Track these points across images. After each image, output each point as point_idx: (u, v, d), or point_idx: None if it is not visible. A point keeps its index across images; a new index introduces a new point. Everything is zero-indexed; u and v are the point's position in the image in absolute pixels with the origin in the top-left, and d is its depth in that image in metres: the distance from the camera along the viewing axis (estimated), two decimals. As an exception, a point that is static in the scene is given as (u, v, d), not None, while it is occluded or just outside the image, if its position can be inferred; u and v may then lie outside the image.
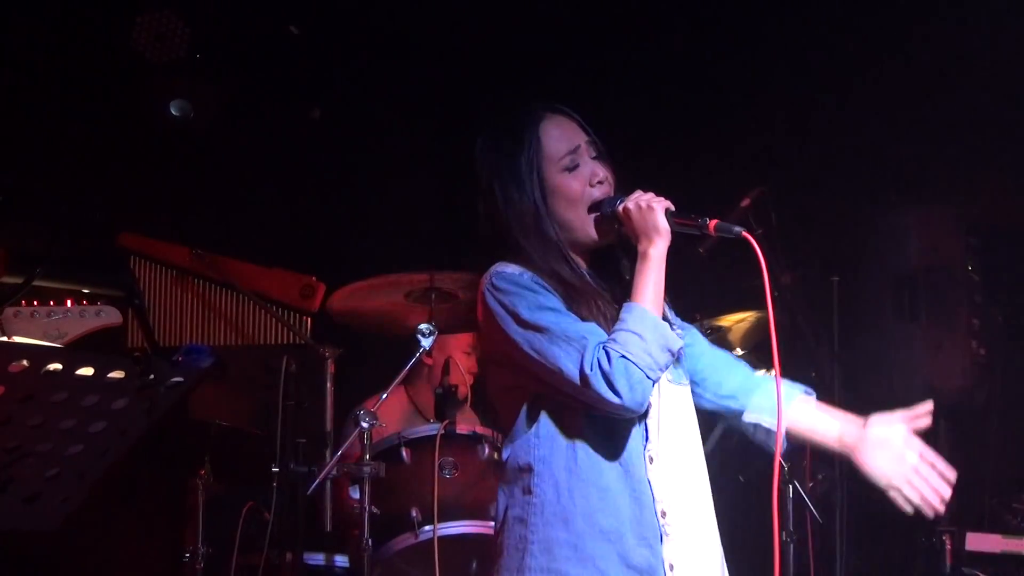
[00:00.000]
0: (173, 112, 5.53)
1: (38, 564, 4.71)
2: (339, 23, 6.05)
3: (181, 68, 5.53)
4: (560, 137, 3.03)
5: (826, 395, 5.51)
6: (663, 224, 2.92)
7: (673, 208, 2.95)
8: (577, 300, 2.95)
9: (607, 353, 2.83)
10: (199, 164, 5.90)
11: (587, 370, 2.83)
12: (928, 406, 3.02)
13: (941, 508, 2.97)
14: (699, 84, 6.06)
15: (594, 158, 3.05)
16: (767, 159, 5.94)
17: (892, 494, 2.98)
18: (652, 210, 2.92)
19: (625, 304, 2.92)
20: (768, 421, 3.10)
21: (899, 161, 5.95)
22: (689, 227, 2.95)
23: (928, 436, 5.73)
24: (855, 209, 5.92)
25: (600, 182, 3.02)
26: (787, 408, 3.05)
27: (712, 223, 2.94)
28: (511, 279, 2.95)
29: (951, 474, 2.97)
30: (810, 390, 3.16)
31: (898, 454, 2.98)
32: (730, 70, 6.06)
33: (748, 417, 3.14)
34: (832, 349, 5.59)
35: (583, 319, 2.92)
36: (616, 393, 2.83)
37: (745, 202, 5.25)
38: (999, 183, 5.96)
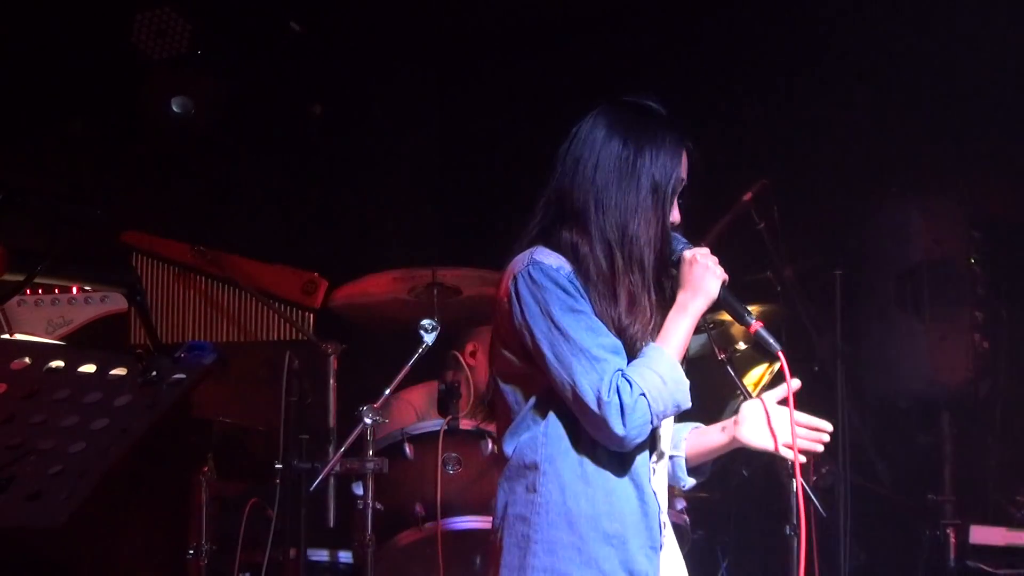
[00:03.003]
0: (175, 109, 5.52)
1: (41, 562, 4.71)
2: (340, 19, 6.05)
3: (182, 64, 5.52)
4: (682, 173, 3.05)
5: (830, 389, 5.56)
6: (714, 291, 3.00)
7: (728, 283, 3.03)
8: (617, 298, 2.94)
9: (629, 383, 2.86)
10: (201, 161, 5.90)
11: (604, 396, 2.84)
12: (795, 384, 3.07)
13: (819, 449, 3.09)
14: (702, 76, 6.05)
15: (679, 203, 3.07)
16: (770, 152, 5.93)
17: (783, 454, 3.06)
18: (715, 278, 3.00)
19: (651, 344, 2.95)
20: (672, 452, 3.15)
21: (903, 154, 5.94)
22: (733, 311, 3.07)
23: (932, 430, 5.77)
24: (858, 202, 5.91)
25: (674, 226, 3.05)
26: (681, 443, 3.16)
27: (755, 325, 3.05)
28: (549, 274, 2.92)
29: (827, 425, 3.10)
30: (698, 424, 3.21)
31: (773, 422, 3.07)
32: (734, 62, 6.05)
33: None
34: (835, 343, 5.58)
35: (614, 322, 2.92)
36: (624, 425, 2.85)
37: (748, 195, 5.25)
38: (1003, 176, 5.95)
